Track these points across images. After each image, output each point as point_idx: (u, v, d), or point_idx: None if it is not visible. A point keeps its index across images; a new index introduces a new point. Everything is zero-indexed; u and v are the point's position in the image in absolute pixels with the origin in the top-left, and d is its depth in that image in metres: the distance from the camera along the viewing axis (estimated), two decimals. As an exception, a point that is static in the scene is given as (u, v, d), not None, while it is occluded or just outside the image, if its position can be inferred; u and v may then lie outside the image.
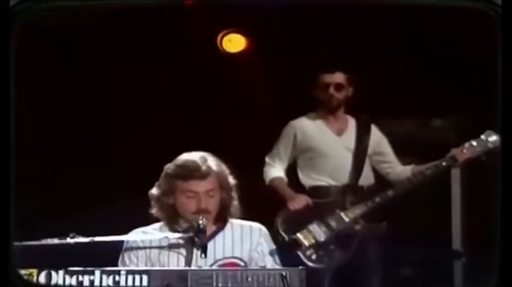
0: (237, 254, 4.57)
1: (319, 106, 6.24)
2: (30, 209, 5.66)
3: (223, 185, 4.56)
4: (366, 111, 6.28)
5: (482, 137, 6.06)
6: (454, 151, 6.07)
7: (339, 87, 6.16)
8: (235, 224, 4.63)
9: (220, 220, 4.60)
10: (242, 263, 4.53)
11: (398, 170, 6.24)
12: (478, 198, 6.51)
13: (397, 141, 6.38)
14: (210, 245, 4.50)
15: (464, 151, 6.05)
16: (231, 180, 4.61)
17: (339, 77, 6.16)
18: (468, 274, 5.58)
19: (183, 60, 6.65)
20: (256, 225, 4.66)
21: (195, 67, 6.71)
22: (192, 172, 4.50)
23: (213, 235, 4.58)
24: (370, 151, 6.25)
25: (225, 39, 6.83)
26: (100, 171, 6.68)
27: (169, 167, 4.58)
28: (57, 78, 6.90)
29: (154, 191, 4.59)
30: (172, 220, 4.58)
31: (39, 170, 6.53)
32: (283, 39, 6.57)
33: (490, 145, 6.05)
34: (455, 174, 6.47)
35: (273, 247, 4.65)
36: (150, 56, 6.69)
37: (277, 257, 4.62)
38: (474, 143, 6.05)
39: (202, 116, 6.67)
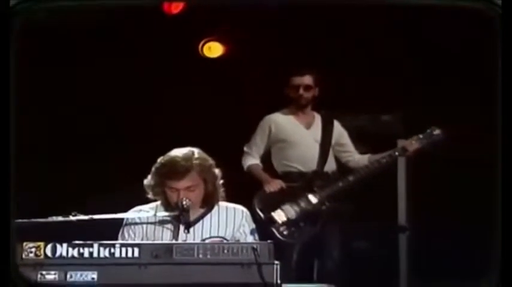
0: (221, 234, 4.52)
1: (291, 104, 6.23)
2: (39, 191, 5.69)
3: (206, 178, 4.47)
4: (330, 108, 6.27)
5: (428, 130, 6.07)
6: (405, 143, 6.09)
7: (307, 88, 6.15)
8: (222, 206, 4.57)
9: (207, 205, 4.54)
10: (226, 241, 4.46)
11: (357, 158, 6.25)
12: (421, 181, 6.54)
13: (356, 134, 6.38)
14: (198, 225, 4.50)
15: (413, 142, 6.06)
16: (216, 172, 4.53)
17: (307, 79, 6.15)
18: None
19: (169, 63, 6.63)
20: (240, 208, 4.61)
21: (179, 70, 6.67)
22: (172, 171, 4.42)
23: (201, 217, 4.53)
24: (333, 142, 6.24)
25: (205, 46, 6.81)
26: (102, 161, 6.57)
27: (156, 164, 4.49)
28: (57, 78, 6.61)
29: (146, 181, 4.52)
30: (164, 202, 4.52)
31: (40, 166, 6.33)
32: (256, 47, 6.56)
33: (434, 137, 6.07)
34: (401, 161, 6.47)
35: (254, 227, 4.60)
36: (140, 58, 6.62)
37: (257, 236, 4.57)
38: (421, 135, 6.07)
39: (186, 113, 6.62)
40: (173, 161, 4.44)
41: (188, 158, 4.44)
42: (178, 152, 4.48)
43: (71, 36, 6.47)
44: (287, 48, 6.44)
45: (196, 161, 4.44)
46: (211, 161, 4.52)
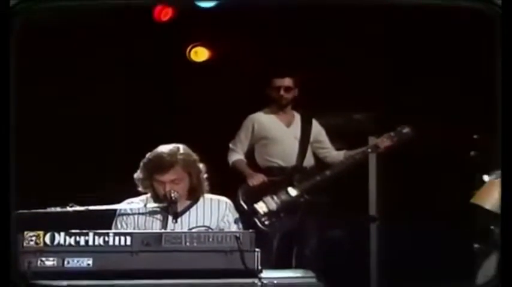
0: (207, 224, 4.52)
1: (272, 103, 6.20)
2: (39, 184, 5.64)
3: (191, 172, 4.48)
4: (308, 108, 6.25)
5: (398, 128, 6.04)
6: (377, 140, 6.07)
7: (287, 89, 6.13)
8: (207, 198, 4.57)
9: (193, 197, 4.54)
10: (210, 231, 4.45)
11: (333, 154, 6.22)
12: (390, 175, 6.55)
13: (333, 132, 6.36)
14: (185, 216, 4.50)
15: (385, 139, 6.04)
16: (200, 166, 4.53)
17: (287, 81, 6.12)
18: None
19: (159, 66, 6.59)
20: (224, 199, 4.61)
21: (168, 73, 6.63)
22: (158, 165, 4.44)
23: (188, 208, 4.53)
24: (311, 139, 6.22)
25: (192, 51, 6.75)
26: (97, 157, 6.49)
27: (144, 159, 4.50)
28: (57, 78, 6.43)
29: (136, 175, 4.53)
30: (153, 195, 4.52)
31: (39, 161, 6.20)
32: (239, 51, 6.53)
33: (403, 135, 6.03)
34: (372, 157, 6.47)
35: (237, 216, 4.62)
36: (133, 61, 6.57)
37: (240, 225, 4.58)
38: (392, 133, 6.05)
39: (174, 112, 6.59)
40: (159, 156, 4.46)
41: (173, 153, 4.46)
42: (164, 148, 4.49)
43: (70, 36, 6.32)
44: (268, 53, 6.39)
45: (181, 157, 4.46)
46: (195, 156, 4.53)
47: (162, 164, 4.43)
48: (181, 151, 4.48)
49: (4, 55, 3.67)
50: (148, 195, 4.55)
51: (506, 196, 3.84)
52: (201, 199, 4.55)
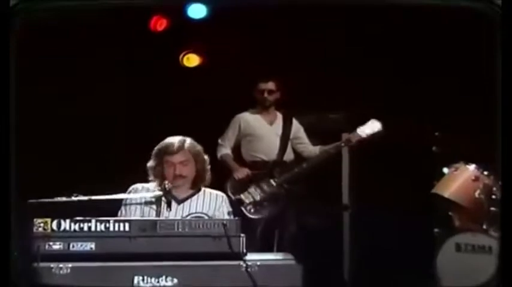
0: (205, 211, 4.57)
1: (257, 104, 6.22)
2: (46, 177, 5.59)
3: (196, 159, 4.56)
4: (289, 108, 6.26)
5: (369, 123, 6.03)
6: (349, 135, 6.08)
7: (270, 92, 6.15)
8: (206, 191, 4.64)
9: (196, 187, 4.60)
10: (207, 217, 4.50)
11: (310, 149, 6.24)
12: (361, 168, 6.57)
13: (310, 129, 6.36)
14: (187, 202, 4.57)
15: (356, 134, 6.04)
16: (205, 156, 4.62)
17: (270, 85, 6.15)
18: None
19: (155, 71, 6.56)
20: (220, 193, 4.68)
21: (164, 77, 6.61)
22: (168, 148, 4.54)
23: (190, 196, 4.60)
24: (291, 136, 6.24)
25: (185, 57, 6.71)
26: (101, 152, 6.38)
27: (157, 146, 4.60)
28: (57, 78, 6.18)
29: (149, 164, 4.60)
30: (160, 182, 4.55)
31: (45, 157, 6.03)
32: (228, 57, 6.49)
33: (374, 130, 6.03)
34: (345, 151, 6.48)
35: (231, 209, 4.65)
36: (132, 66, 6.51)
37: (232, 216, 4.58)
38: (363, 128, 6.04)
39: (170, 111, 6.50)
40: (170, 142, 4.57)
41: (182, 141, 4.58)
42: (172, 138, 4.60)
43: (70, 36, 6.06)
44: (253, 59, 6.36)
45: (188, 144, 4.57)
46: (200, 147, 4.62)
47: (173, 147, 4.54)
48: (188, 140, 4.60)
49: (4, 55, 3.47)
50: (153, 184, 4.58)
51: (506, 196, 3.61)
52: (201, 191, 4.62)
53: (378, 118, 6.05)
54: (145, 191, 4.57)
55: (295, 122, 6.27)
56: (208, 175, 4.62)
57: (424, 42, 6.09)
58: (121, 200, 4.54)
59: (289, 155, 6.20)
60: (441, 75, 6.16)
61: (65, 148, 6.25)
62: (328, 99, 6.44)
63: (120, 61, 6.46)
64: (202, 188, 4.62)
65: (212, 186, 4.70)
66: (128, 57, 6.46)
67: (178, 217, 4.42)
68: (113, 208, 4.53)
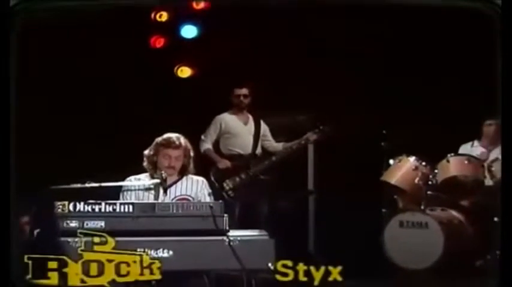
0: (189, 193, 4.63)
1: (234, 107, 6.23)
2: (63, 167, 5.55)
3: (186, 154, 4.65)
4: (258, 111, 6.26)
5: (321, 127, 6.08)
6: (308, 134, 6.15)
7: (245, 96, 6.18)
8: (189, 177, 4.70)
9: (182, 174, 4.68)
10: (191, 199, 4.59)
11: (274, 145, 6.27)
12: (324, 160, 6.62)
13: (275, 128, 6.38)
14: (173, 187, 4.62)
15: (312, 134, 6.11)
16: (191, 152, 4.70)
17: (245, 91, 6.18)
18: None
19: (154, 81, 6.53)
20: (200, 178, 4.75)
21: (162, 87, 6.60)
22: (170, 144, 4.60)
23: (176, 181, 4.67)
24: (260, 134, 6.27)
25: (179, 69, 6.72)
26: (111, 144, 6.19)
27: (158, 139, 4.65)
28: (57, 78, 5.75)
29: (147, 152, 4.66)
30: (153, 171, 4.62)
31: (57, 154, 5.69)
32: (213, 70, 6.48)
33: (325, 131, 6.07)
34: (310, 146, 6.47)
35: (210, 191, 4.73)
36: (133, 77, 6.39)
37: (212, 197, 4.69)
38: (317, 130, 6.09)
39: (165, 113, 6.38)
40: (170, 137, 4.63)
41: (179, 138, 4.65)
42: (172, 135, 4.67)
43: (70, 36, 5.57)
44: (232, 71, 6.34)
45: (183, 142, 4.65)
46: (189, 144, 4.70)
47: (173, 143, 4.60)
48: (183, 138, 4.68)
49: (4, 55, 3.14)
50: (147, 174, 4.63)
51: (506, 196, 3.26)
52: (185, 177, 4.69)
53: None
54: (144, 179, 4.62)
55: (262, 123, 6.31)
56: (192, 167, 4.70)
57: (424, 42, 5.74)
58: (125, 186, 4.59)
59: (259, 150, 6.25)
60: (441, 75, 5.84)
61: (78, 144, 6.14)
62: (292, 103, 6.42)
63: (122, 67, 6.27)
64: (186, 175, 4.69)
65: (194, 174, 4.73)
66: (130, 68, 6.33)
67: (168, 200, 4.47)
68: (118, 193, 4.56)
